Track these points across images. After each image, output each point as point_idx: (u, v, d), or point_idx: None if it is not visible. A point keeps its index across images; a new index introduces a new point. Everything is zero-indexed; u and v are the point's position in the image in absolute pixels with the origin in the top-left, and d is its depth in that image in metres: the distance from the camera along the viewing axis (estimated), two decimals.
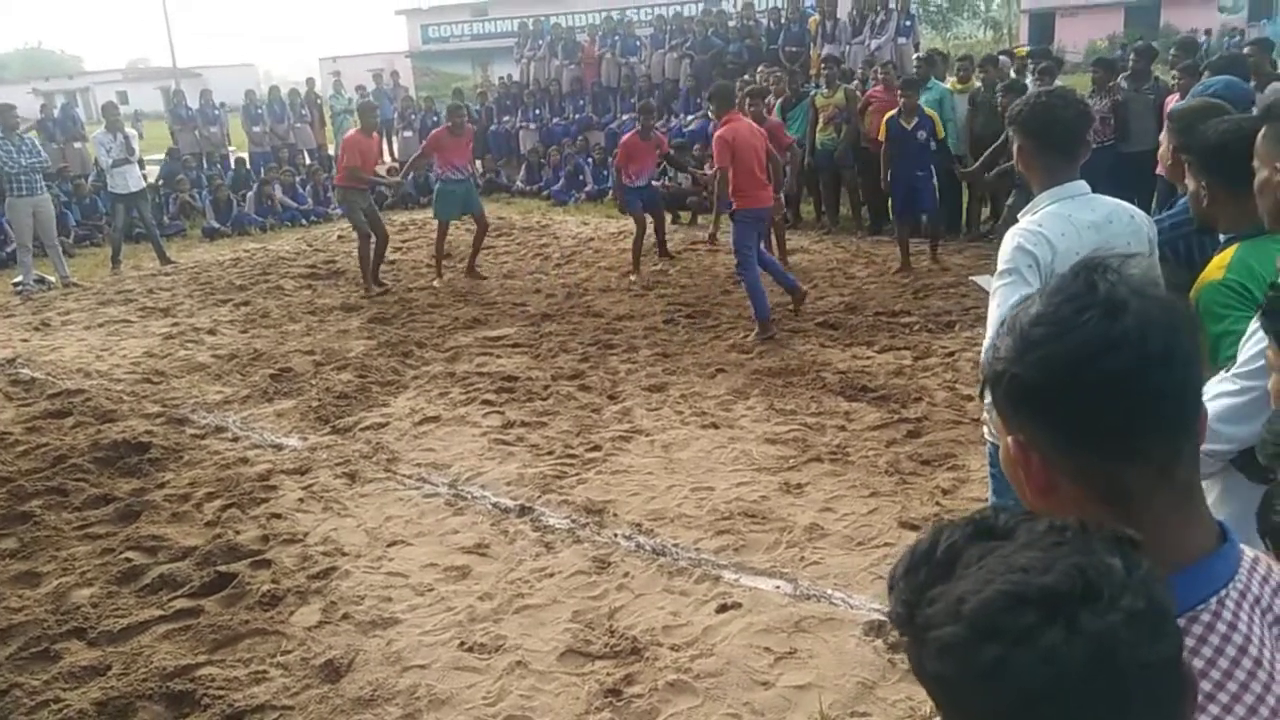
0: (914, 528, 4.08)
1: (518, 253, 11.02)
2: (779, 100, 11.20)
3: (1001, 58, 11.18)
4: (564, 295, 8.72)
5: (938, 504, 4.27)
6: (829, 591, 3.65)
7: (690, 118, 14.63)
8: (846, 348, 6.72)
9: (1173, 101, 8.27)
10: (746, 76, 12.84)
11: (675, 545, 4.10)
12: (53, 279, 10.52)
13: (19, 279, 10.43)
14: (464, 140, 9.90)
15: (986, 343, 2.54)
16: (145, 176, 12.60)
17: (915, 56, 11.13)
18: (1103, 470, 0.93)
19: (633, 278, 9.15)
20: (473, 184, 10.32)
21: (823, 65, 11.72)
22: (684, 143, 13.35)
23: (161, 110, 18.99)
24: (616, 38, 16.95)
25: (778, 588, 3.70)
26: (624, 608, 3.64)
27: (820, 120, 10.90)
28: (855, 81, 11.44)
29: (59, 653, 3.55)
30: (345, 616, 3.69)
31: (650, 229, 9.87)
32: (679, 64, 15.50)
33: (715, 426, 5.42)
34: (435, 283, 9.50)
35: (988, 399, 2.81)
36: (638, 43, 16.74)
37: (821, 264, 9.55)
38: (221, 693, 3.23)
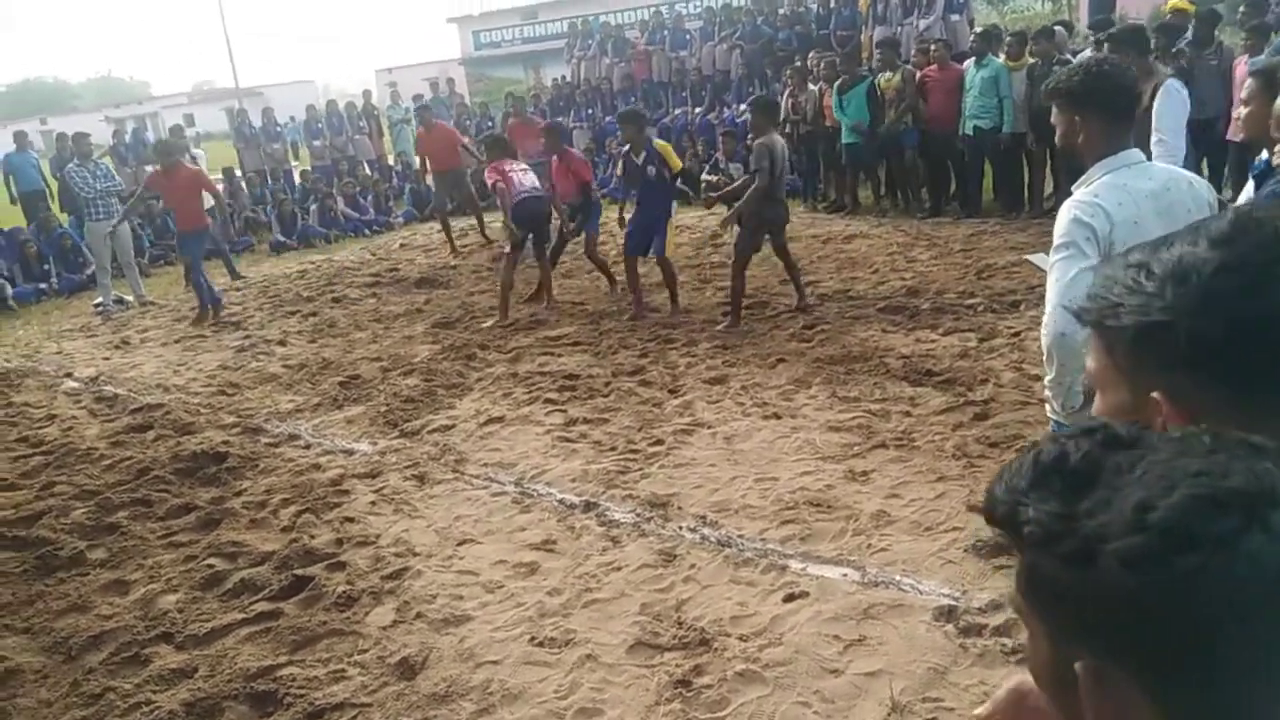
0: None
1: (575, 251, 11.07)
2: (835, 84, 11.11)
3: (1058, 29, 10.87)
4: (622, 292, 8.74)
5: None
6: (897, 578, 3.61)
7: (743, 107, 14.57)
8: (909, 332, 6.64)
9: (1242, 64, 8.00)
10: (797, 62, 12.75)
11: (740, 536, 4.09)
12: (130, 299, 10.90)
13: (99, 300, 10.84)
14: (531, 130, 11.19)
15: (1050, 316, 2.48)
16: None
17: (973, 33, 10.92)
18: (1266, 427, 0.89)
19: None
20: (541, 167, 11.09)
21: (878, 49, 11.60)
22: (735, 132, 13.33)
23: (227, 130, 19.56)
24: (665, 32, 16.96)
25: (845, 575, 3.68)
26: (691, 599, 3.65)
27: (886, 102, 10.80)
28: (910, 62, 11.29)
29: (149, 657, 3.68)
30: (418, 615, 3.76)
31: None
32: (729, 55, 15.45)
33: (777, 416, 5.40)
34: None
35: (1048, 376, 2.73)
36: (687, 36, 16.73)
37: (881, 248, 9.44)
38: (303, 692, 3.32)
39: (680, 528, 4.22)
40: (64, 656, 3.76)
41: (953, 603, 3.38)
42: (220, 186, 14.67)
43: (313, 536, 4.52)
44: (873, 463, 4.66)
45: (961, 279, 7.87)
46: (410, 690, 3.29)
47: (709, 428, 5.34)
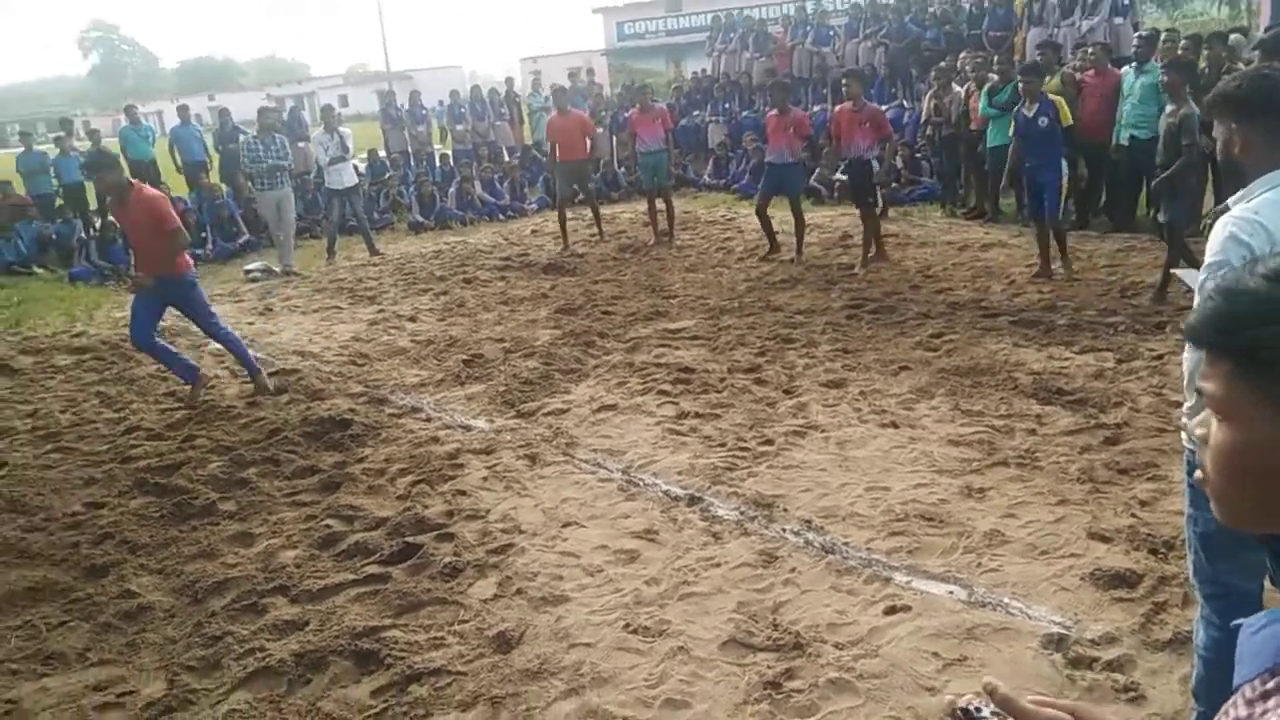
0: (1105, 540, 3.82)
1: (701, 246, 11.08)
2: (985, 87, 10.71)
3: (1234, 36, 10.22)
4: (745, 289, 8.70)
5: (1134, 515, 3.98)
6: (1006, 600, 3.47)
7: (885, 107, 14.24)
8: (1043, 348, 6.36)
9: None
10: (943, 64, 12.38)
11: (845, 544, 4.01)
12: (276, 268, 11.48)
13: (249, 267, 11.49)
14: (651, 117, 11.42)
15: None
16: (357, 169, 13.49)
17: (1137, 35, 10.35)
18: None
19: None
20: (662, 157, 11.59)
21: (1037, 51, 11.14)
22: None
23: (378, 112, 20.36)
24: (809, 28, 16.73)
25: (951, 593, 3.56)
26: (789, 602, 3.60)
27: None
28: (1069, 66, 10.80)
29: (265, 606, 3.88)
30: (519, 591, 3.83)
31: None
32: (874, 52, 15.13)
33: (895, 425, 5.26)
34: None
35: (1188, 403, 2.57)
36: (831, 32, 16.45)
37: (1020, 259, 9.07)
38: (403, 654, 3.44)
39: (784, 530, 4.17)
40: (190, 599, 4.00)
41: (1064, 631, 3.23)
42: (363, 166, 15.16)
43: (426, 506, 4.67)
44: (991, 480, 4.49)
45: (1104, 295, 7.50)
46: (504, 664, 3.36)
47: (822, 431, 5.25)
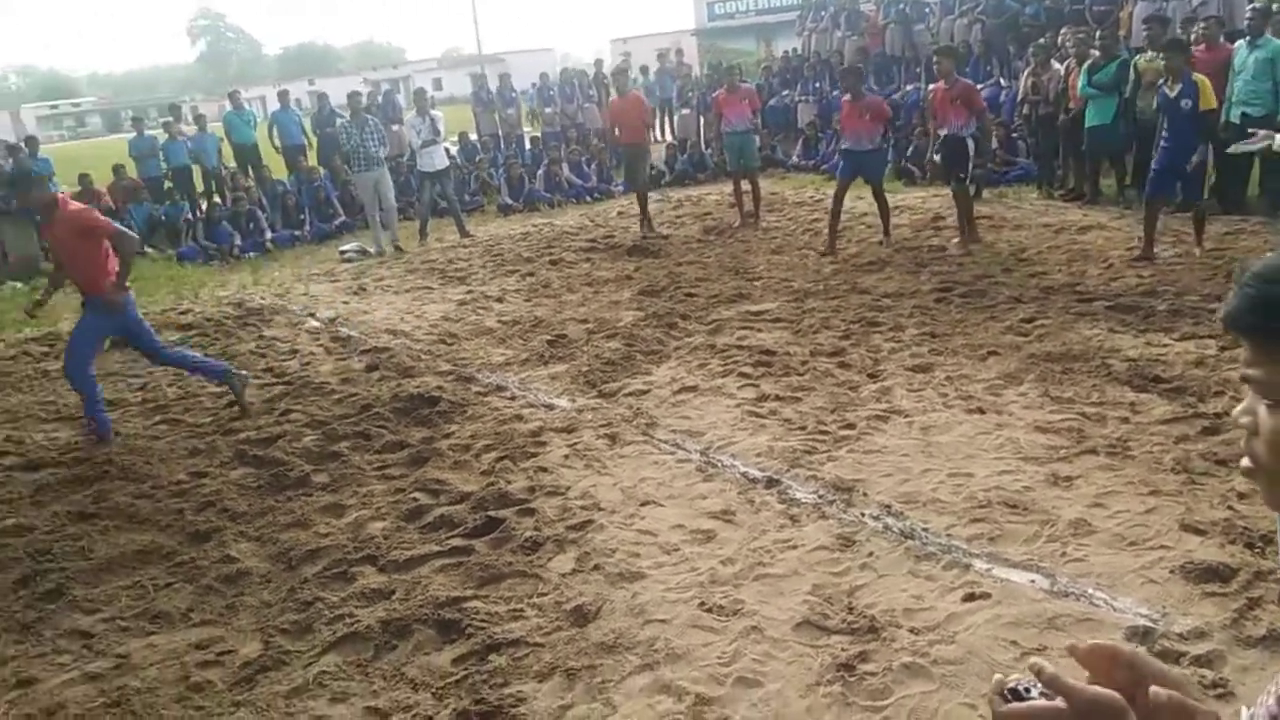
0: (1199, 532, 3.69)
1: (787, 228, 10.99)
2: (1085, 64, 10.32)
3: None
4: (831, 271, 8.60)
5: (1230, 508, 3.83)
6: (1090, 590, 3.39)
7: (981, 86, 13.85)
8: (1140, 334, 6.14)
9: None
10: (1042, 40, 11.98)
11: (925, 529, 3.97)
12: (371, 249, 11.81)
13: (345, 248, 11.84)
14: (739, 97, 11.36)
15: None
16: (449, 152, 13.76)
17: (1250, 7, 9.83)
18: None
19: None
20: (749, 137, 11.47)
21: (1144, 25, 10.69)
22: None
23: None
24: (902, 5, 16.34)
25: (1032, 581, 3.50)
26: (865, 586, 3.58)
27: (1143, 85, 9.97)
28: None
29: (354, 575, 4.04)
30: (596, 567, 3.90)
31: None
32: (970, 29, 14.70)
33: (981, 411, 5.16)
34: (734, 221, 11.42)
35: None
36: (925, 9, 16.05)
37: (1120, 242, 8.77)
38: (484, 625, 3.54)
39: (863, 514, 4.15)
40: (285, 565, 4.19)
41: (1150, 624, 3.15)
42: (454, 149, 15.42)
43: (508, 482, 4.78)
44: (1079, 468, 4.38)
45: (1208, 280, 7.19)
46: (581, 637, 3.43)
47: (906, 416, 5.19)
